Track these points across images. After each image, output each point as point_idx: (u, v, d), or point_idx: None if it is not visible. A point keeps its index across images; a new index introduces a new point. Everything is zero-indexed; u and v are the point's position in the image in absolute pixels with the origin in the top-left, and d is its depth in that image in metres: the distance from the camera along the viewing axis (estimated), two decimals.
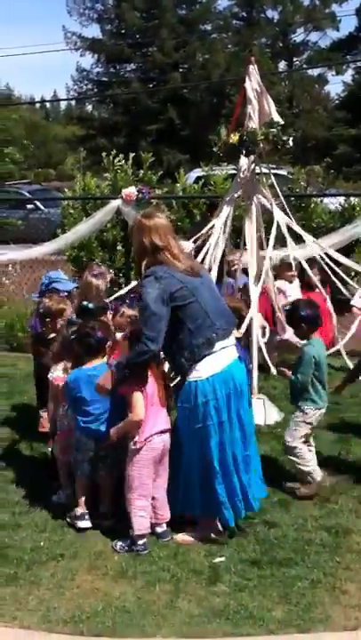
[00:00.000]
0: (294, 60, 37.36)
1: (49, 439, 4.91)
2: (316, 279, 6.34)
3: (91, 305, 4.84)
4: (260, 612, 3.30)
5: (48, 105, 75.15)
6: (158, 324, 3.67)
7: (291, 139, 5.60)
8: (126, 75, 35.35)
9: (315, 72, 36.47)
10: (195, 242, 6.06)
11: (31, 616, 3.32)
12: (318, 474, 4.43)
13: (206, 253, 5.74)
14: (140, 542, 3.85)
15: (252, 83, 5.70)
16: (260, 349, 5.68)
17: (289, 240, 5.80)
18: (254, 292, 5.64)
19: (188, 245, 5.80)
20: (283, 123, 5.67)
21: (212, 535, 3.92)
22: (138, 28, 33.60)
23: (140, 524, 3.86)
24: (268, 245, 5.78)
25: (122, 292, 6.31)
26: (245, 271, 6.07)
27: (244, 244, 5.99)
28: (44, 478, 4.62)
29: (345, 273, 6.25)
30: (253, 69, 5.70)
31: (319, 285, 6.28)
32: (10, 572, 3.65)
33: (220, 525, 3.93)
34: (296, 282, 6.84)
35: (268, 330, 6.03)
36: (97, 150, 19.09)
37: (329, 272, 6.25)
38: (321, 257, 6.08)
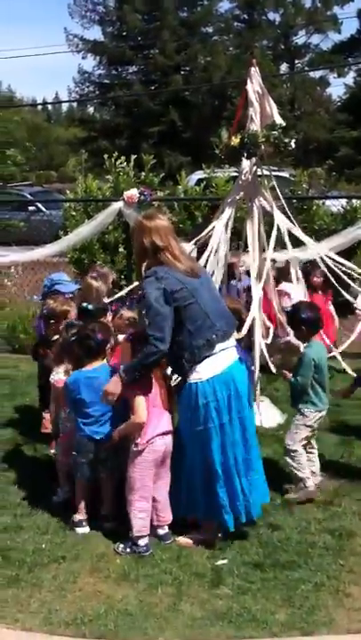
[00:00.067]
0: (296, 62, 37.38)
1: (51, 441, 4.91)
2: (318, 282, 6.34)
3: (90, 307, 4.85)
4: (263, 614, 3.29)
5: (50, 107, 75.48)
6: (164, 324, 3.67)
7: (293, 141, 5.59)
8: (128, 77, 35.42)
9: (316, 74, 36.55)
10: (195, 243, 6.06)
11: (33, 618, 3.31)
12: (311, 483, 4.41)
13: (209, 255, 5.73)
14: (142, 543, 3.84)
15: (254, 85, 5.69)
16: (261, 351, 5.67)
17: (288, 243, 5.79)
18: (256, 294, 5.64)
19: (189, 247, 5.79)
20: (284, 124, 5.67)
21: (215, 538, 3.91)
22: (139, 30, 33.68)
23: (140, 525, 3.86)
24: (268, 248, 5.78)
25: (122, 292, 6.30)
26: (249, 273, 6.07)
27: (246, 247, 5.99)
28: (46, 480, 4.61)
29: (348, 275, 6.24)
30: (255, 72, 5.70)
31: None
32: (12, 574, 3.64)
33: (220, 530, 3.91)
34: (302, 284, 6.84)
35: (271, 330, 6.01)
36: (99, 152, 19.13)
37: (329, 275, 6.25)
38: (323, 260, 6.08)
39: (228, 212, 5.88)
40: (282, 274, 6.56)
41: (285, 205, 6.06)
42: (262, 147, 5.54)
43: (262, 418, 5.46)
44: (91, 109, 39.02)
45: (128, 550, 3.84)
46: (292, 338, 5.30)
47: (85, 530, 4.07)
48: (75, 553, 3.83)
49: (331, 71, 35.28)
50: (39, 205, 17.43)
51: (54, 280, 5.38)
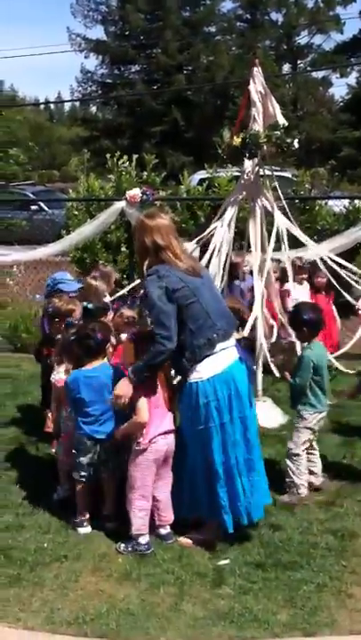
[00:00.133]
0: (298, 62, 37.32)
1: (52, 440, 4.91)
2: (321, 282, 6.34)
3: (90, 306, 4.85)
4: (265, 615, 3.29)
5: (52, 106, 75.48)
6: (169, 321, 3.67)
7: (296, 140, 5.59)
8: (130, 76, 35.37)
9: (319, 74, 36.44)
10: (197, 243, 6.06)
11: (35, 617, 3.32)
12: (304, 490, 4.40)
13: (212, 255, 5.73)
14: (143, 541, 3.85)
15: (257, 85, 5.69)
16: (263, 350, 5.67)
17: (285, 244, 5.78)
18: (258, 293, 5.64)
19: (190, 247, 5.80)
20: (286, 124, 5.66)
21: (215, 538, 3.90)
22: (142, 29, 33.63)
23: (140, 523, 3.86)
24: (268, 248, 5.78)
25: (123, 291, 6.31)
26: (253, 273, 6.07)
27: (249, 246, 5.99)
28: (48, 480, 4.61)
29: (349, 276, 6.24)
30: (258, 72, 5.70)
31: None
32: (13, 574, 3.65)
33: (220, 530, 3.90)
34: (305, 284, 6.84)
35: (275, 329, 6.01)
36: (101, 152, 19.11)
37: (329, 276, 6.27)
38: (324, 261, 6.08)
39: (230, 212, 5.88)
40: (286, 274, 6.56)
41: (285, 206, 6.06)
42: (264, 147, 5.54)
43: (264, 418, 5.46)
44: (93, 109, 38.99)
45: (130, 549, 3.84)
46: (294, 338, 5.31)
47: (87, 530, 4.08)
48: (77, 552, 3.83)
49: (333, 71, 35.22)
50: (41, 205, 17.42)
51: (57, 279, 5.38)
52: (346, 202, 9.73)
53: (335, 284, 6.27)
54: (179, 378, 4.01)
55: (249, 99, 5.73)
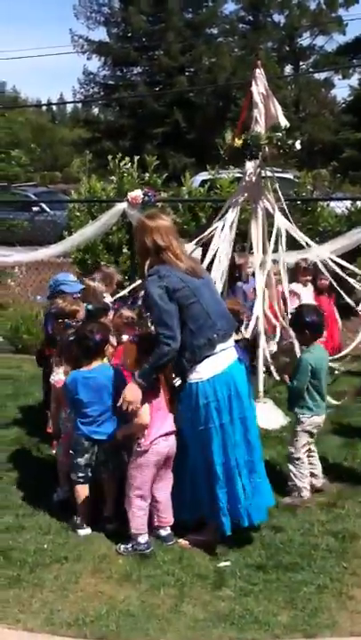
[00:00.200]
0: (301, 63, 37.31)
1: (52, 441, 4.91)
2: (324, 284, 6.35)
3: (90, 307, 4.85)
4: (265, 616, 3.28)
5: (54, 107, 75.54)
6: (172, 321, 3.67)
7: (298, 142, 5.59)
8: (132, 78, 35.39)
9: (321, 76, 36.46)
10: (197, 243, 6.07)
11: (35, 618, 3.31)
12: (306, 493, 4.39)
13: (214, 257, 5.73)
14: (143, 541, 3.85)
15: (259, 86, 5.69)
16: (264, 351, 5.67)
17: (282, 246, 5.78)
18: (260, 295, 5.64)
19: (190, 248, 5.80)
20: (288, 125, 5.66)
21: (215, 540, 3.89)
22: (144, 31, 33.65)
23: (138, 523, 3.86)
24: (268, 249, 5.78)
25: (124, 291, 6.31)
26: None
27: (251, 248, 5.99)
28: (49, 481, 4.60)
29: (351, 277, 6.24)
30: (260, 73, 5.70)
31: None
32: (13, 575, 3.64)
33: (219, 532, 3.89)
34: (310, 286, 6.85)
35: (278, 329, 6.00)
36: (103, 153, 19.17)
37: (330, 279, 6.27)
38: (325, 262, 6.08)
39: (232, 214, 5.88)
40: (291, 275, 6.59)
41: (285, 207, 6.06)
42: (265, 148, 5.54)
43: (265, 420, 5.45)
44: (95, 110, 39.01)
45: (130, 549, 3.84)
46: (294, 340, 5.30)
47: (87, 531, 4.07)
48: (77, 553, 3.83)
49: (336, 73, 35.20)
50: (43, 206, 17.44)
51: (59, 280, 5.38)
52: (348, 203, 9.74)
53: (336, 286, 6.28)
54: (180, 381, 4.00)
55: (251, 100, 5.73)
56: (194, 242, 6.09)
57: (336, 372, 6.69)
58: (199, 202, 9.39)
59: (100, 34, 48.37)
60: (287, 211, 6.11)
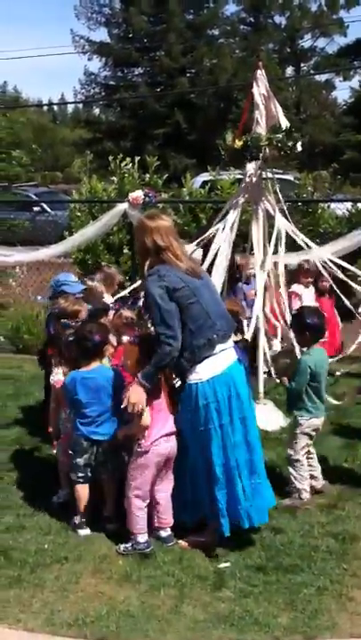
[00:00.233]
0: (302, 65, 37.36)
1: (52, 441, 4.91)
2: (326, 286, 6.36)
3: (89, 307, 4.85)
4: (265, 618, 3.28)
5: (55, 108, 75.57)
6: (172, 320, 3.68)
7: (299, 143, 5.59)
8: (133, 79, 35.39)
9: (322, 78, 36.50)
10: (198, 244, 6.07)
11: (35, 619, 3.31)
12: (306, 495, 4.39)
13: (214, 258, 5.74)
14: (142, 540, 3.85)
15: (260, 88, 5.70)
16: (264, 351, 5.68)
17: (281, 247, 5.79)
18: (260, 296, 5.65)
19: (190, 248, 5.81)
20: (289, 126, 5.66)
21: (214, 541, 3.89)
22: (145, 32, 33.64)
23: (137, 522, 3.87)
24: (269, 251, 5.79)
25: (125, 292, 6.31)
26: None
27: (252, 249, 5.99)
28: (50, 481, 4.60)
29: (351, 279, 6.24)
30: (261, 74, 5.71)
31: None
32: (14, 575, 3.64)
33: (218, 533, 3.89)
34: (311, 288, 6.85)
35: (279, 330, 6.01)
36: (104, 154, 19.16)
37: (330, 281, 6.28)
38: (326, 264, 6.09)
39: (232, 215, 5.88)
40: (293, 276, 6.60)
41: (285, 209, 6.06)
42: (266, 149, 5.55)
43: (265, 421, 5.46)
44: (96, 111, 39.02)
45: (130, 548, 3.85)
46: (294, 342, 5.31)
47: (86, 532, 4.07)
48: (77, 554, 3.83)
49: (337, 74, 35.27)
50: (44, 206, 17.46)
51: (61, 281, 5.38)
52: (349, 205, 9.74)
53: (335, 288, 6.30)
54: (179, 381, 4.00)
55: (252, 101, 5.74)
56: (195, 242, 6.09)
57: (337, 373, 6.71)
58: (200, 203, 9.39)
59: (101, 34, 48.55)
60: (288, 212, 6.11)
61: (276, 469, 4.67)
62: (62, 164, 48.85)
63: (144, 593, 3.49)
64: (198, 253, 6.06)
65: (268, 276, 5.81)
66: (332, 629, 3.21)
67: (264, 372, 5.83)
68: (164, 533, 3.97)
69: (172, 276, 3.74)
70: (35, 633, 3.23)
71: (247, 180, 5.81)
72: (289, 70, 37.08)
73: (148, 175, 9.69)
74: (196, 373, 3.76)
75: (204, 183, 10.55)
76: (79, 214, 9.70)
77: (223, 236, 5.82)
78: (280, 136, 5.54)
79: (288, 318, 5.70)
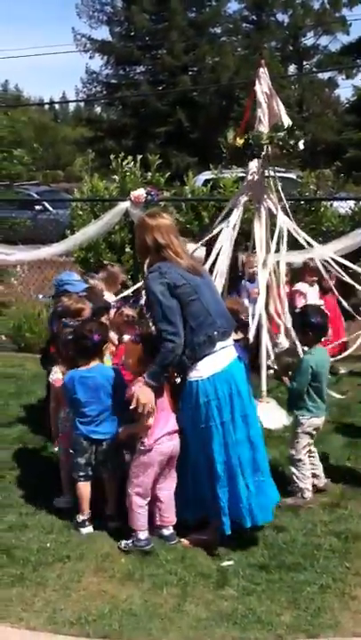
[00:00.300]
0: (304, 63, 37.28)
1: (54, 440, 4.92)
2: (330, 284, 6.36)
3: (91, 305, 4.85)
4: (268, 616, 3.28)
5: (57, 106, 75.60)
6: (174, 317, 3.68)
7: (302, 141, 5.58)
8: (135, 77, 35.35)
9: (325, 76, 36.43)
10: (203, 244, 6.07)
11: (37, 617, 3.31)
12: (309, 494, 4.39)
13: (217, 257, 5.74)
14: (143, 537, 3.85)
15: (263, 86, 5.69)
16: (267, 350, 5.68)
17: (283, 246, 5.78)
18: (262, 293, 5.64)
19: (193, 247, 5.80)
20: (291, 124, 5.64)
21: (215, 540, 3.88)
22: (147, 30, 33.60)
23: (138, 519, 3.87)
24: (271, 249, 5.79)
25: (127, 292, 6.31)
26: None
27: (254, 248, 5.99)
28: (52, 479, 4.60)
29: (353, 278, 6.23)
30: (264, 72, 5.70)
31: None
32: (16, 573, 3.64)
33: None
34: (315, 286, 6.85)
35: (282, 329, 6.01)
36: (105, 152, 19.08)
37: (330, 281, 6.27)
38: (324, 264, 6.09)
39: (235, 214, 5.88)
40: (298, 275, 6.59)
41: (287, 207, 6.05)
42: (267, 147, 5.54)
43: (268, 419, 5.45)
44: (98, 109, 39.01)
45: (130, 545, 3.85)
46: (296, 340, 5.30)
47: (89, 530, 4.07)
48: (79, 552, 3.83)
49: (339, 73, 35.18)
50: (46, 204, 17.44)
51: (64, 280, 5.38)
52: (351, 203, 9.72)
53: (333, 288, 6.30)
54: (179, 379, 3.99)
55: (255, 99, 5.73)
56: (200, 242, 6.09)
57: (341, 370, 6.71)
58: (202, 201, 9.37)
59: (103, 33, 48.44)
60: (290, 210, 6.10)
61: (279, 468, 4.66)
62: (64, 163, 48.88)
63: (147, 591, 3.49)
64: (201, 252, 6.06)
65: (271, 274, 5.81)
66: (335, 628, 3.21)
67: (270, 368, 5.83)
68: (167, 532, 3.97)
69: (173, 273, 3.74)
70: (37, 631, 3.23)
71: (249, 178, 5.81)
72: (291, 68, 37.02)
73: (149, 173, 9.68)
74: (196, 371, 3.76)
75: (207, 181, 10.52)
76: (81, 213, 9.68)
77: (226, 234, 5.82)
78: (281, 134, 5.54)
79: (288, 317, 5.70)
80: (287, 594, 3.45)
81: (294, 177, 11.74)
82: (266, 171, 5.83)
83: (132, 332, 4.70)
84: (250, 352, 5.03)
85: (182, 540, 3.95)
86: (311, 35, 36.72)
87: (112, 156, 9.85)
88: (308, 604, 3.36)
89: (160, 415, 3.83)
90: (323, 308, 5.45)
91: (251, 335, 5.29)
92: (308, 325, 4.48)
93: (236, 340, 4.05)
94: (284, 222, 5.85)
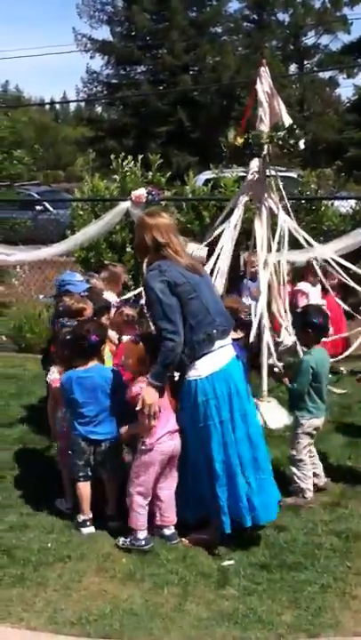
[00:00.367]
0: (305, 62, 37.24)
1: (54, 440, 4.91)
2: (332, 283, 6.36)
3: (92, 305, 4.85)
4: (269, 616, 3.28)
5: (58, 106, 75.62)
6: (174, 315, 3.68)
7: (303, 141, 5.57)
8: (136, 77, 35.34)
9: (326, 75, 36.39)
10: (207, 244, 6.07)
11: (38, 617, 3.31)
12: (310, 494, 4.38)
13: (218, 256, 5.74)
14: (141, 536, 3.85)
15: (264, 85, 5.68)
16: (268, 349, 5.67)
17: (283, 246, 5.78)
18: (263, 293, 5.64)
19: (195, 247, 5.80)
20: (292, 124, 5.64)
21: (215, 539, 3.88)
22: (148, 30, 33.59)
23: (137, 518, 3.87)
24: (273, 249, 5.78)
25: (130, 294, 6.32)
26: None
27: (255, 247, 5.98)
28: (52, 479, 4.60)
29: (352, 278, 6.23)
30: (265, 72, 5.69)
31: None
32: (17, 573, 3.64)
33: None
34: (318, 286, 6.84)
35: (284, 329, 6.00)
36: (106, 152, 19.08)
37: (326, 282, 6.27)
38: (329, 262, 6.08)
39: (236, 214, 5.88)
40: (300, 274, 6.59)
41: (288, 206, 6.05)
42: (268, 147, 5.53)
43: (269, 419, 5.45)
44: (98, 109, 38.99)
45: (128, 542, 3.85)
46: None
47: (90, 529, 4.07)
48: (80, 552, 3.83)
49: (340, 72, 35.15)
50: (46, 205, 17.45)
51: (65, 280, 5.38)
52: (352, 202, 9.71)
53: (328, 288, 6.30)
54: (177, 377, 3.99)
55: (256, 99, 5.72)
56: (204, 243, 6.10)
57: (342, 369, 6.71)
58: (203, 201, 9.36)
59: (104, 32, 48.49)
60: (291, 210, 6.10)
61: (281, 468, 4.65)
62: (64, 163, 48.91)
63: (147, 591, 3.49)
64: (204, 252, 6.05)
65: (272, 274, 5.80)
66: (336, 627, 3.21)
67: (272, 367, 5.83)
68: (168, 531, 3.97)
69: (173, 271, 3.74)
70: (37, 632, 3.23)
71: (250, 177, 5.80)
72: (292, 68, 36.99)
73: (150, 173, 9.67)
74: (195, 370, 3.76)
75: (207, 181, 10.51)
76: (81, 213, 9.67)
77: (227, 234, 5.82)
78: (281, 133, 5.53)
79: (289, 316, 5.70)
80: (288, 593, 3.45)
81: (295, 176, 11.73)
82: (267, 170, 5.82)
83: (132, 331, 4.70)
84: (250, 351, 5.04)
85: (183, 539, 3.95)
86: (312, 34, 36.71)
87: (113, 156, 9.84)
88: (308, 604, 3.36)
89: (161, 414, 3.83)
90: (324, 307, 5.46)
91: (252, 334, 5.28)
92: (309, 325, 4.48)
93: (235, 339, 4.05)
94: (285, 221, 5.84)
